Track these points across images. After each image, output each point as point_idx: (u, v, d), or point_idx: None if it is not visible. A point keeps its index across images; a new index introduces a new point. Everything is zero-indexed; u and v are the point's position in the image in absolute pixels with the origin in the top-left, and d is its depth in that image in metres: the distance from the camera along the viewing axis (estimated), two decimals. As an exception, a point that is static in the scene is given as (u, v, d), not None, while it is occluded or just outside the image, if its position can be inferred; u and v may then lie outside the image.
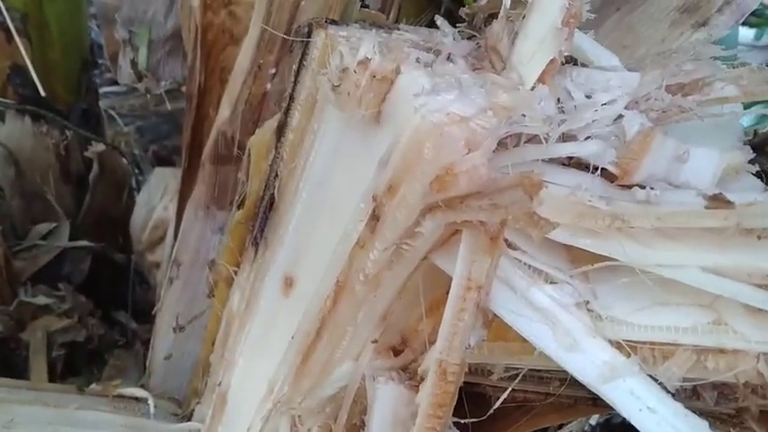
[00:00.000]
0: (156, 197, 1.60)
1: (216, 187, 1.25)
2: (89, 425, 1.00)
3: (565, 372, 0.56)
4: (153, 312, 1.32)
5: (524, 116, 0.55)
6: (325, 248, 0.72)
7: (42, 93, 1.47)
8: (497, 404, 0.59)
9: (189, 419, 1.10)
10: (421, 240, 0.57)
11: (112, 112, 2.07)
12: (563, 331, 0.55)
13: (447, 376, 0.53)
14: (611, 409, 0.55)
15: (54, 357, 1.47)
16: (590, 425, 1.63)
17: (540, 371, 0.63)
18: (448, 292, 0.61)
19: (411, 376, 0.65)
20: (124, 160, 1.75)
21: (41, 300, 1.48)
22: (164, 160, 2.00)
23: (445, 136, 0.53)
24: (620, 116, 0.60)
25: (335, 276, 0.68)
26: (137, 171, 1.85)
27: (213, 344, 1.04)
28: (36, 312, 1.49)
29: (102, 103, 1.85)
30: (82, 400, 1.06)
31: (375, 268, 0.62)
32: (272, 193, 0.82)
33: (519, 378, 0.60)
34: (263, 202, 0.84)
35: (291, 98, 0.76)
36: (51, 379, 1.38)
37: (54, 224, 1.59)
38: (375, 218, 0.61)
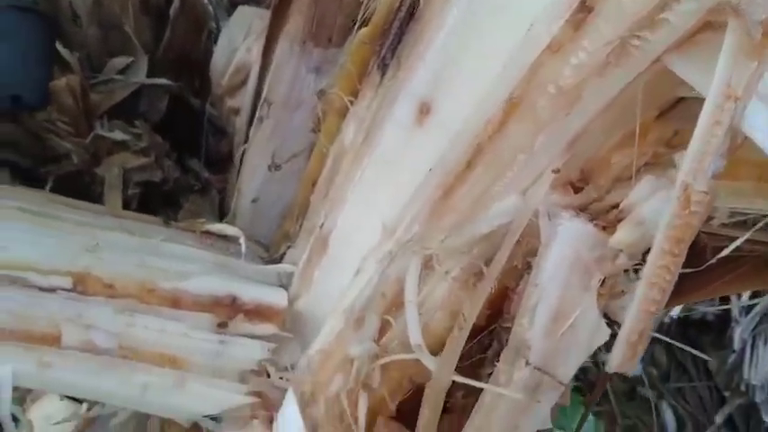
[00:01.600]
0: (238, 38, 1.44)
1: (314, 20, 1.09)
2: (176, 258, 0.91)
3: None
4: (240, 152, 1.20)
5: None
6: (488, 61, 0.57)
7: None
8: (724, 253, 0.46)
9: (278, 263, 1.00)
10: (665, 31, 0.42)
11: (188, -48, 1.89)
12: (841, 164, 0.40)
13: (691, 205, 0.40)
14: None
15: (129, 195, 1.38)
16: (671, 317, 1.52)
17: (778, 218, 0.49)
18: (659, 115, 0.47)
19: (593, 217, 0.52)
20: (204, -1, 1.59)
21: (118, 135, 1.37)
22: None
23: None
24: None
25: (506, 92, 0.54)
26: (214, 14, 1.69)
27: (314, 183, 0.92)
28: (112, 148, 1.38)
29: (179, -59, 1.67)
30: (168, 232, 0.96)
31: (577, 76, 0.47)
32: (413, 1, 0.67)
33: (759, 226, 0.46)
34: (399, 15, 0.69)
35: None
36: (126, 217, 1.29)
37: (131, 59, 1.45)
38: (585, 9, 0.46)
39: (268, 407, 0.88)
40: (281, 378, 0.87)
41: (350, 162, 0.80)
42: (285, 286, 0.96)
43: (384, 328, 0.71)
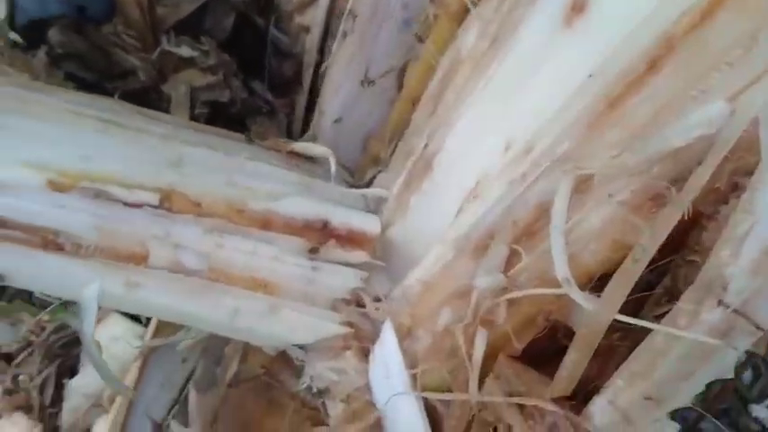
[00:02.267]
0: (311, -50, 1.31)
1: None
2: (262, 177, 0.81)
3: None
4: (311, 72, 1.09)
5: None
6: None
7: None
8: None
9: (365, 188, 0.90)
10: None
11: None
12: None
13: None
14: None
15: (196, 115, 1.29)
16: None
17: None
18: None
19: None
20: None
21: (185, 51, 1.27)
22: None
23: None
24: None
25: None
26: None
27: (414, 101, 0.82)
28: (179, 64, 1.28)
29: None
30: (251, 150, 0.87)
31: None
32: None
33: None
34: None
35: None
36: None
37: (197, -29, 1.34)
38: None
39: (360, 338, 0.80)
40: (376, 309, 0.78)
41: (468, 73, 0.69)
42: (374, 212, 0.87)
43: (511, 258, 0.61)
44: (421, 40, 0.77)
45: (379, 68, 0.90)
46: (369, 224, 0.82)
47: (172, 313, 0.74)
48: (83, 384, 1.36)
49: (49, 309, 0.78)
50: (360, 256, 0.81)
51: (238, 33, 1.46)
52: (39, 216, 0.68)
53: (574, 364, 0.53)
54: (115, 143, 0.75)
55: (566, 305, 0.56)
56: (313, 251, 0.79)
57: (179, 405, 1.28)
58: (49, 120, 0.73)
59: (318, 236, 0.80)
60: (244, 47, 1.48)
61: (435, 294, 0.72)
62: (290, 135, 1.38)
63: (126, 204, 0.71)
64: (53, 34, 1.19)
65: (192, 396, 1.18)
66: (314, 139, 1.03)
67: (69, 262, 0.68)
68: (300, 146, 0.88)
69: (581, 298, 0.50)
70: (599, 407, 0.55)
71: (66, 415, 1.35)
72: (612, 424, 0.54)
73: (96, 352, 0.73)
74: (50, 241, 0.68)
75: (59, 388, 1.40)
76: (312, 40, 1.32)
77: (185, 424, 1.21)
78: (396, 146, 0.86)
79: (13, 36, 1.23)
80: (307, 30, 1.36)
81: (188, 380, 1.29)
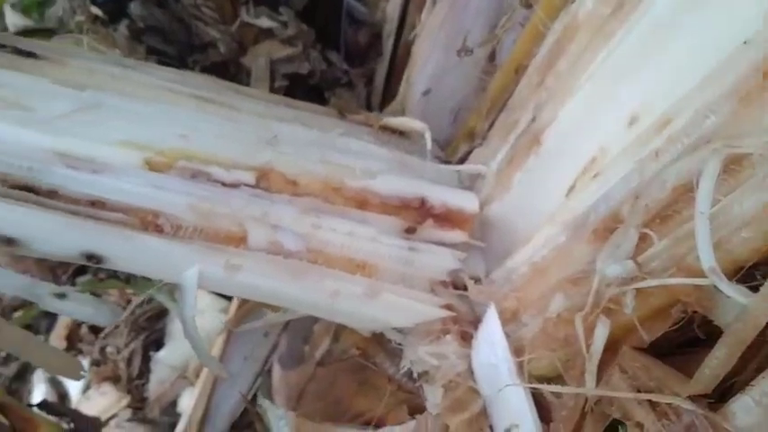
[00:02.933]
0: None
1: None
2: (355, 153, 0.78)
3: None
4: (411, 36, 1.04)
5: None
6: None
7: None
8: None
9: (459, 164, 0.86)
10: None
11: None
12: None
13: None
14: None
15: (276, 88, 1.26)
16: None
17: None
18: None
19: None
20: None
21: (264, 22, 1.25)
22: None
23: None
24: None
25: None
26: None
27: (517, 70, 0.77)
28: (258, 36, 1.26)
29: None
30: (345, 126, 0.84)
31: None
32: None
33: None
34: None
35: None
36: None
37: (274, -61, 1.30)
38: None
39: (460, 321, 0.77)
40: (478, 292, 0.75)
41: (585, 41, 0.63)
42: (469, 189, 0.83)
43: (639, 243, 0.56)
44: (528, 5, 0.71)
45: (476, 37, 0.85)
46: (467, 202, 0.79)
47: (271, 296, 0.72)
48: (169, 357, 1.38)
49: (149, 292, 0.77)
50: (458, 235, 0.78)
51: (314, 2, 1.42)
52: (137, 197, 0.67)
53: (720, 361, 0.48)
54: (211, 121, 0.73)
55: (707, 296, 0.51)
56: (410, 231, 0.76)
57: (262, 378, 1.29)
58: (145, 98, 0.71)
59: (415, 215, 0.76)
60: (317, 16, 1.44)
61: (546, 279, 0.68)
62: (369, 107, 1.34)
63: (224, 185, 0.69)
64: (134, 7, 1.18)
65: (276, 371, 1.18)
66: (401, 112, 0.99)
67: (169, 244, 0.67)
68: (395, 121, 0.84)
69: (734, 291, 0.46)
70: (742, 406, 0.50)
71: (153, 386, 1.38)
72: (757, 425, 0.49)
73: (197, 334, 0.72)
74: (150, 222, 0.67)
75: (146, 360, 1.43)
76: (393, 8, 1.27)
77: (269, 398, 1.21)
78: (495, 119, 0.81)
79: (95, 10, 1.23)
80: (387, -4, 1.32)
81: (270, 353, 1.30)
